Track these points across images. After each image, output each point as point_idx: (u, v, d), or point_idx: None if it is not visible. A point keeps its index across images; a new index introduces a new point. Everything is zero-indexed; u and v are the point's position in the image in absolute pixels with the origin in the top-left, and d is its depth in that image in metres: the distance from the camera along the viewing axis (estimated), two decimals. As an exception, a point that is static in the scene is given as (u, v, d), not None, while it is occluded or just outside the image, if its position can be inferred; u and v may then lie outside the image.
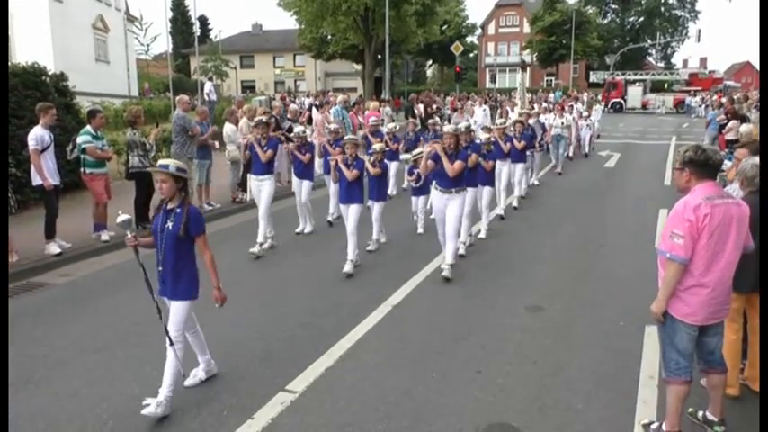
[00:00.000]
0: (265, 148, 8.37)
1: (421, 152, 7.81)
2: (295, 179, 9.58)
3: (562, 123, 15.79)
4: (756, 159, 4.23)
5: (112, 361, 5.12)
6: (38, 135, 7.88)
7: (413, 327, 5.80)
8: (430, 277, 7.23)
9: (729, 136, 13.38)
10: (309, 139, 10.84)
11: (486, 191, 9.01)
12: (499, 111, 19.11)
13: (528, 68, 24.34)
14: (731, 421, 3.93)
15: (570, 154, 17.53)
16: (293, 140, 12.73)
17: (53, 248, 7.99)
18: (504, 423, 4.12)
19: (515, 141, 10.85)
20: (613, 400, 4.39)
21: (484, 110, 20.72)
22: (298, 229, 9.55)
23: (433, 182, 7.46)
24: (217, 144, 11.60)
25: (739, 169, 4.33)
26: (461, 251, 8.03)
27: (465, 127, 8.01)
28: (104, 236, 8.67)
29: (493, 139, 9.81)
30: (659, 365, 4.40)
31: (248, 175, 9.26)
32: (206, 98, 22.61)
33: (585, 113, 20.09)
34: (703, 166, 3.56)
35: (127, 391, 4.54)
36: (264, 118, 8.70)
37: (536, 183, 13.87)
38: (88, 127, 8.65)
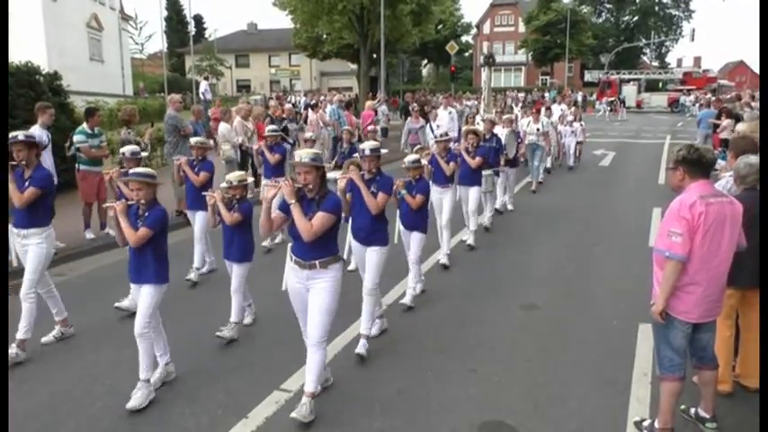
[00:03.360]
0: (26, 184, 5.19)
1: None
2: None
3: (537, 129, 12.90)
4: (750, 158, 4.27)
5: (106, 361, 5.11)
6: (36, 135, 7.87)
7: (407, 325, 5.82)
8: (425, 276, 7.23)
9: (723, 135, 13.42)
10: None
11: (414, 238, 6.24)
12: (465, 116, 15.58)
13: (493, 64, 18.68)
14: (723, 418, 3.96)
15: (549, 165, 14.90)
16: (290, 142, 12.72)
17: (47, 248, 7.95)
18: (499, 421, 4.14)
19: (468, 157, 8.14)
20: (607, 398, 4.42)
21: (450, 112, 16.19)
22: (190, 276, 7.05)
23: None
24: (211, 142, 11.57)
25: (734, 167, 4.36)
26: (418, 288, 6.47)
27: (370, 148, 5.22)
28: (89, 234, 8.68)
29: (428, 160, 7.21)
30: (653, 363, 4.42)
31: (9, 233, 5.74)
32: (201, 97, 22.58)
33: (570, 117, 16.83)
34: (696, 164, 3.59)
35: (121, 391, 4.53)
36: (21, 135, 5.30)
37: (510, 208, 10.96)
38: (84, 125, 8.75)
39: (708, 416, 3.92)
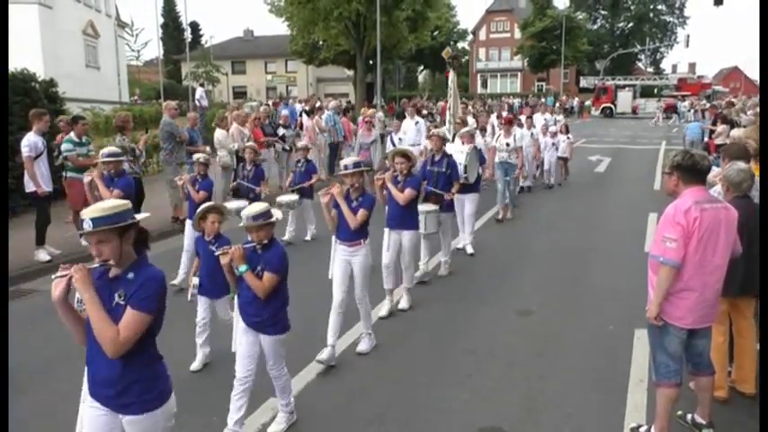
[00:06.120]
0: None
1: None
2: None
3: (508, 144, 10.15)
4: (738, 164, 4.28)
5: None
6: (31, 141, 7.87)
7: (402, 332, 5.81)
8: (419, 283, 7.22)
9: (719, 141, 13.47)
10: (302, 143, 10.31)
11: (269, 345, 3.92)
12: (425, 128, 12.55)
13: (459, 66, 13.23)
14: (719, 424, 3.95)
15: (530, 183, 13.22)
16: (286, 148, 12.78)
17: (43, 255, 7.95)
18: (495, 427, 4.13)
19: (394, 190, 5.95)
20: (603, 404, 4.41)
21: (416, 122, 13.15)
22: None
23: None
24: (208, 149, 11.57)
25: (724, 174, 4.36)
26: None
27: (90, 218, 2.77)
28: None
29: (326, 201, 5.06)
30: (649, 369, 4.42)
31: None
32: (197, 104, 22.58)
33: (554, 128, 14.35)
34: (690, 170, 3.59)
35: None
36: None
37: (470, 251, 8.33)
38: (71, 134, 8.70)
39: (704, 422, 3.92)
